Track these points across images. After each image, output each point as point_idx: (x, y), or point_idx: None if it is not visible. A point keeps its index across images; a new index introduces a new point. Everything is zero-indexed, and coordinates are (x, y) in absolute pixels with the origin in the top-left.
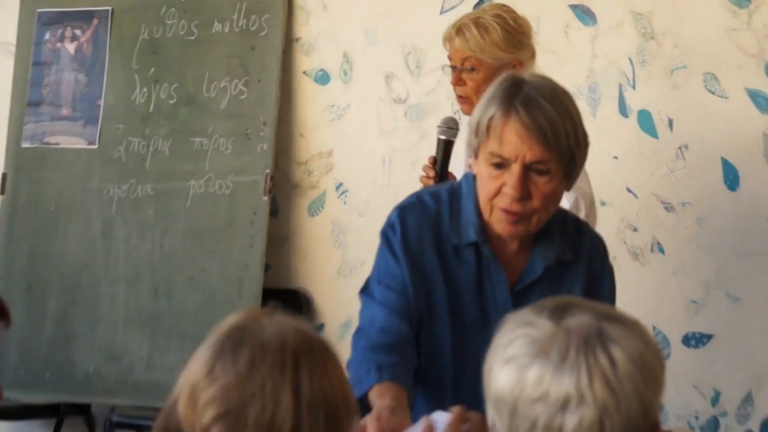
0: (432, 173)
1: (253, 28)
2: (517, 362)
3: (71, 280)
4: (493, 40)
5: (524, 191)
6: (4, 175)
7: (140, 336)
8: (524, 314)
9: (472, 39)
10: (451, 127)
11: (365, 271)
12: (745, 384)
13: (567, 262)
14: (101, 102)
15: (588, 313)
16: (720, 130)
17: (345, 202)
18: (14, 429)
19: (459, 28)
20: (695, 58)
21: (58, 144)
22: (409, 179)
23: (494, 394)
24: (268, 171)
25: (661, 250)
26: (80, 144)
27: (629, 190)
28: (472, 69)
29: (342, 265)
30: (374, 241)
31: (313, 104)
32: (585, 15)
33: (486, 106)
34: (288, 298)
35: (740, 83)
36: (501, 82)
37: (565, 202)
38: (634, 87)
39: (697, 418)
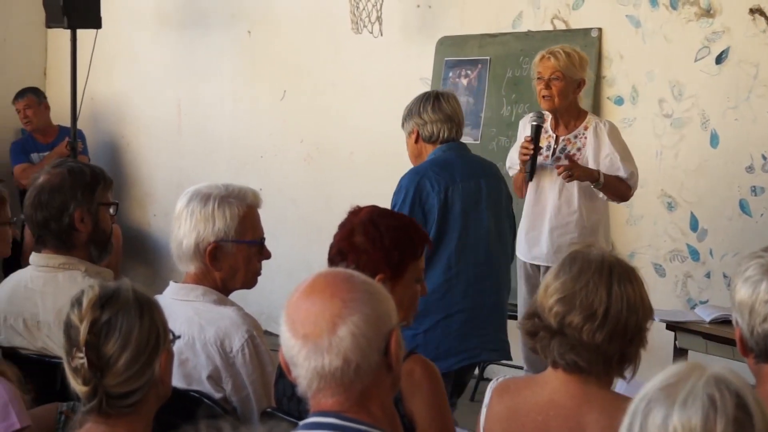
0: (531, 146)
1: None
2: (752, 279)
3: None
4: (573, 62)
5: None
6: None
7: None
8: (755, 252)
9: (561, 60)
10: (540, 116)
11: None
12: None
13: None
14: (482, 114)
15: None
16: None
17: None
18: None
19: (552, 53)
20: None
21: None
22: (659, 165)
23: (738, 301)
24: None
25: None
26: (468, 140)
27: None
28: (557, 79)
29: None
30: None
31: (614, 117)
32: None
33: None
34: None
35: None
36: None
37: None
38: None
39: None
